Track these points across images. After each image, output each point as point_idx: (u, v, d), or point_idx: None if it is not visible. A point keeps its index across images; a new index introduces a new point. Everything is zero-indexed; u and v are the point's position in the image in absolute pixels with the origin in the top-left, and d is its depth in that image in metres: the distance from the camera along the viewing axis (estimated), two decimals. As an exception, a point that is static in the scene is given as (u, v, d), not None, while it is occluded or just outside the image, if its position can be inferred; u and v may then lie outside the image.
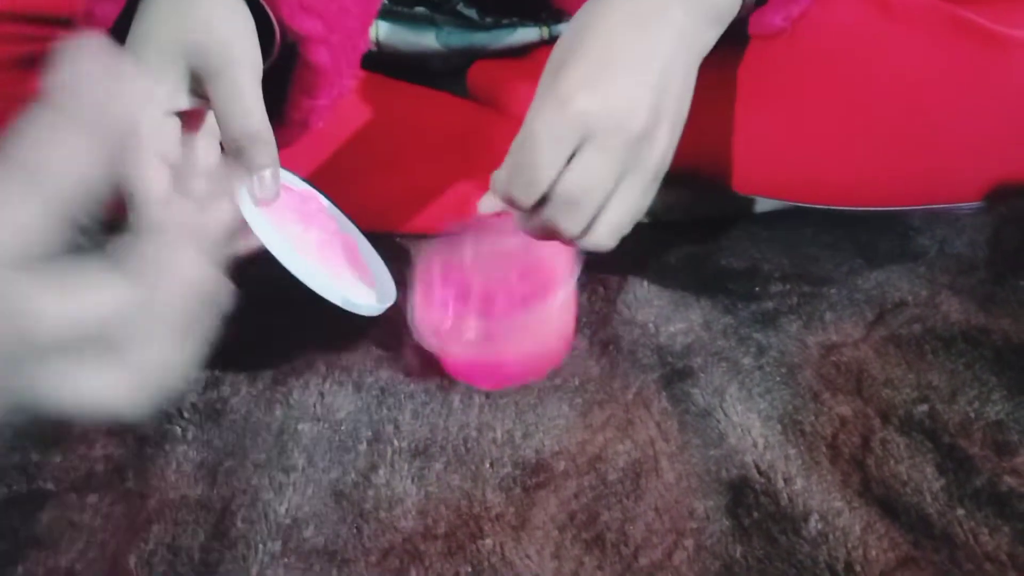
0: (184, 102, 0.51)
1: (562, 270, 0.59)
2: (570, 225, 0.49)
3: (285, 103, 0.56)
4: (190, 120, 0.52)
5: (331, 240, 0.58)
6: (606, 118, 0.47)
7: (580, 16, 0.51)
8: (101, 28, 0.52)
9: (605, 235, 0.50)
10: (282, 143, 0.56)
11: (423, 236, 0.73)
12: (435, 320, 0.58)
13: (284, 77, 0.56)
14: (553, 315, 0.59)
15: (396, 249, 0.72)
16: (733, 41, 0.61)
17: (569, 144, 0.48)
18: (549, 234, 0.50)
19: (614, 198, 0.49)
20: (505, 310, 0.60)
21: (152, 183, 0.49)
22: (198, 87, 0.50)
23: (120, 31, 0.52)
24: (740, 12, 0.55)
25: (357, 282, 0.57)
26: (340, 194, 0.69)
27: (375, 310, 0.56)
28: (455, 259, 0.61)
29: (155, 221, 0.50)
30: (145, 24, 0.50)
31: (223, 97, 0.49)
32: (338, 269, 0.56)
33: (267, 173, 0.51)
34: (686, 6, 0.51)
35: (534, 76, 0.51)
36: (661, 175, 0.51)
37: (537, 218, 0.50)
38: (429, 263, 0.61)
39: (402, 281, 0.68)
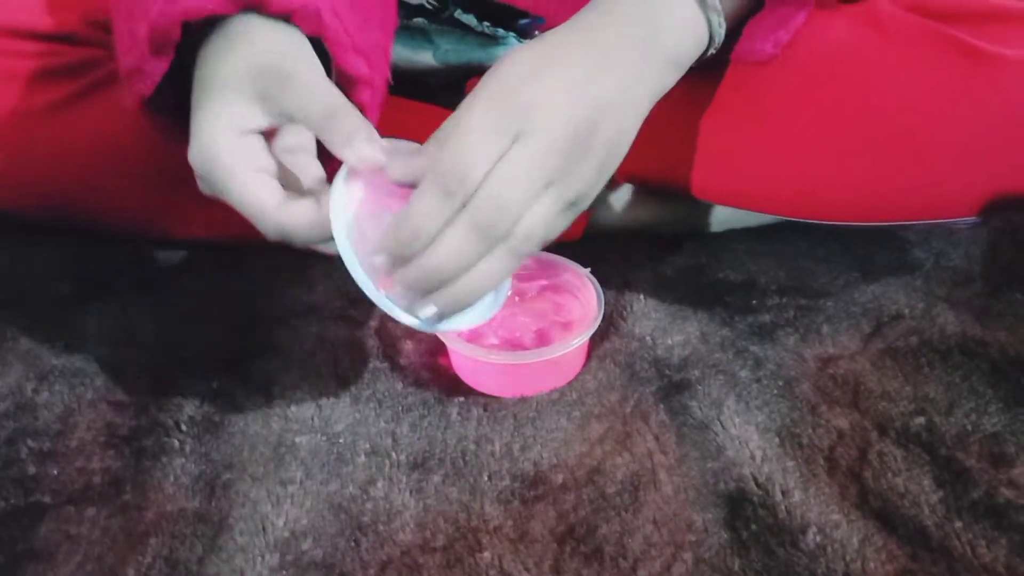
0: (261, 122, 0.51)
1: (589, 312, 0.61)
2: (487, 229, 0.47)
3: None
4: (270, 137, 0.53)
5: None
6: (548, 113, 0.47)
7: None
8: (149, 83, 0.52)
9: (508, 249, 0.48)
10: None
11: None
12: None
13: None
14: (571, 354, 0.61)
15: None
16: (726, 62, 0.62)
17: (505, 137, 0.47)
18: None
19: (532, 208, 0.48)
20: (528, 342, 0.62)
21: (262, 196, 0.50)
22: (271, 108, 0.51)
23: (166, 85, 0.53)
24: (710, 52, 0.56)
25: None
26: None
27: (482, 318, 0.54)
28: None
29: (280, 227, 0.50)
30: (207, 68, 0.51)
31: (299, 92, 0.50)
32: None
33: (362, 135, 0.50)
34: (643, 48, 0.51)
35: None
36: (583, 203, 0.50)
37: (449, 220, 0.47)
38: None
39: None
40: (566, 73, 0.48)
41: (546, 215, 0.48)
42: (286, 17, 0.52)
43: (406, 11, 0.73)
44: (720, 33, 0.55)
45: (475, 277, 0.49)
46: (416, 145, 0.52)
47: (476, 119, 0.47)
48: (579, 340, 0.60)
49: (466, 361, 0.61)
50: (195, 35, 0.52)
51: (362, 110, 0.55)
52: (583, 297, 0.64)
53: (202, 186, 0.52)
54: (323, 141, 0.51)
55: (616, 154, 0.51)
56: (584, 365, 0.63)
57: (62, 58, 0.68)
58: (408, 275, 0.48)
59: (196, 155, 0.50)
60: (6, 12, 0.69)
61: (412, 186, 0.50)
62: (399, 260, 0.48)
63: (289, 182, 0.53)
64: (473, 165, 0.46)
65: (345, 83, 0.55)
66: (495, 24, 0.73)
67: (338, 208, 0.49)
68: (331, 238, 0.49)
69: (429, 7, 0.74)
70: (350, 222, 0.50)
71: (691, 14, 0.53)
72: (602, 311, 0.61)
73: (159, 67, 0.52)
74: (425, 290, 0.49)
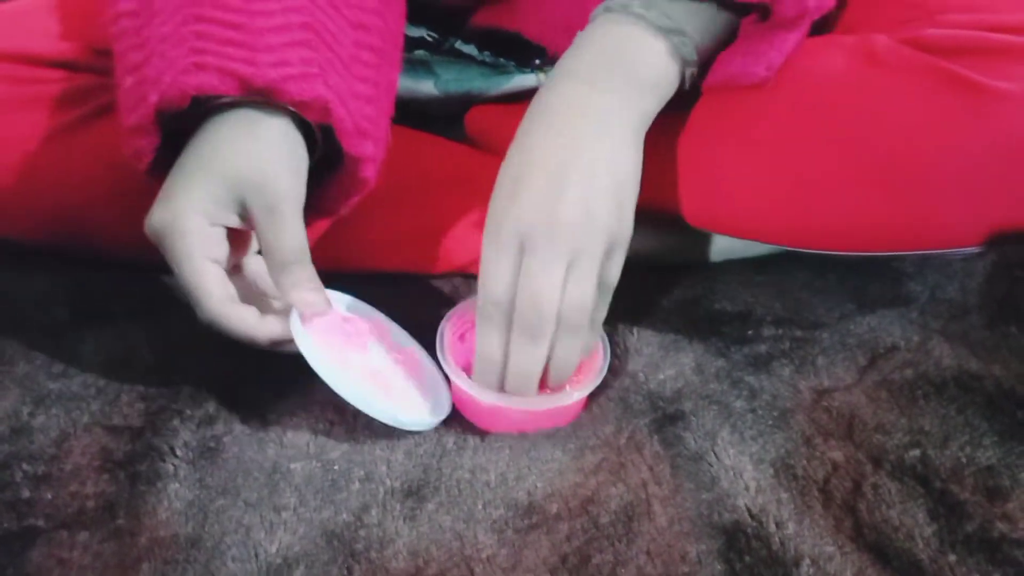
0: (229, 221, 0.57)
1: (595, 363, 0.61)
2: (537, 331, 0.54)
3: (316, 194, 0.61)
4: (237, 238, 0.58)
5: (383, 356, 0.62)
6: (539, 215, 0.53)
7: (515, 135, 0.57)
8: (149, 147, 0.57)
9: (565, 332, 0.55)
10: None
11: (423, 276, 0.74)
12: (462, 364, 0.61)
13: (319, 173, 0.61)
14: (575, 402, 0.61)
15: (399, 289, 0.72)
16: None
17: (513, 253, 0.54)
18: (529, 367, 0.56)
19: (568, 291, 0.54)
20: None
21: (211, 286, 0.56)
22: (243, 215, 0.56)
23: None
24: (687, 83, 0.60)
25: (410, 396, 0.61)
26: (339, 234, 0.70)
27: (426, 425, 0.60)
28: None
29: (217, 319, 0.56)
30: (202, 147, 0.56)
31: (273, 227, 0.56)
32: (389, 384, 0.60)
33: (311, 290, 0.57)
34: (608, 84, 0.57)
35: None
36: (617, 250, 0.57)
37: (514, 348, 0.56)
38: (463, 316, 0.64)
39: (400, 323, 0.69)
40: (544, 173, 0.55)
41: (581, 287, 0.54)
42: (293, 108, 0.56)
43: (407, 43, 0.74)
44: (689, 75, 0.59)
45: (556, 367, 0.57)
46: (361, 303, 0.63)
47: (485, 251, 0.55)
48: (579, 393, 0.59)
49: (463, 395, 0.61)
50: (201, 107, 0.56)
51: (365, 182, 0.61)
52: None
53: (151, 237, 0.56)
54: (272, 279, 0.57)
55: (626, 191, 0.56)
56: (584, 408, 0.62)
57: (64, 85, 0.69)
58: (511, 389, 0.57)
59: (158, 222, 0.55)
60: (7, 39, 0.70)
61: (358, 327, 0.61)
62: (492, 384, 0.57)
63: (246, 285, 0.60)
64: (495, 289, 0.54)
65: (350, 162, 0.59)
66: (495, 54, 0.74)
67: (300, 331, 0.57)
68: (255, 344, 0.58)
69: (429, 39, 0.74)
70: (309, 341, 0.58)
71: (661, 60, 0.58)
72: (607, 363, 0.61)
73: (158, 137, 0.56)
74: (527, 392, 0.57)
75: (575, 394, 0.59)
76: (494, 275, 0.54)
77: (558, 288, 0.54)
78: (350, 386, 0.57)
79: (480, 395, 0.58)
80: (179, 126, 0.57)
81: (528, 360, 0.55)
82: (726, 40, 0.62)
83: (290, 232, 0.56)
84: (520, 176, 0.55)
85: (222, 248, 0.57)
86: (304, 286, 0.57)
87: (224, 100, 0.56)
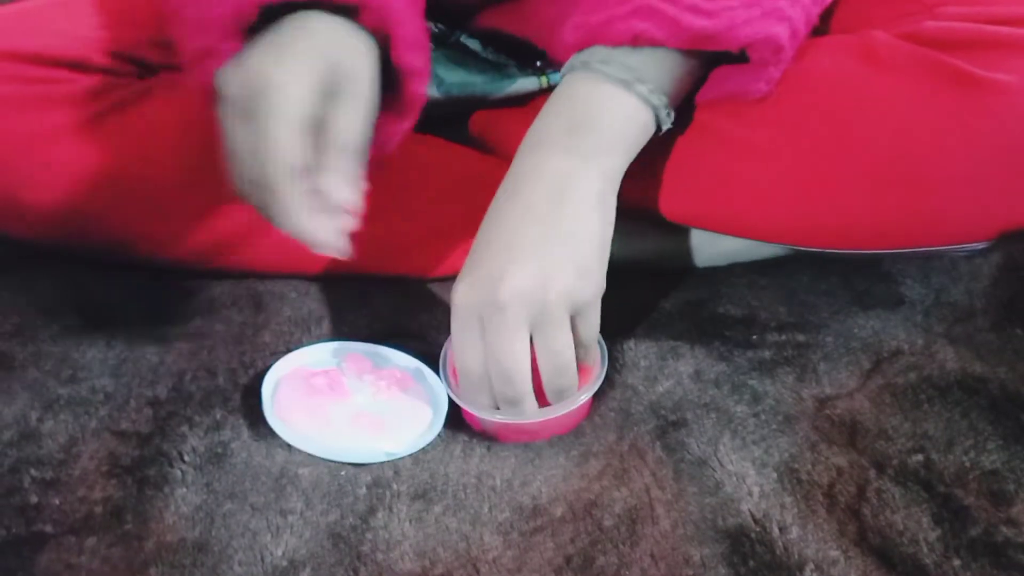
0: (316, 105, 0.54)
1: (592, 371, 0.61)
2: (512, 394, 0.56)
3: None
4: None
5: (368, 393, 0.63)
6: (479, 300, 0.55)
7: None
8: (219, 64, 0.55)
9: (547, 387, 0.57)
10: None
11: (426, 280, 0.75)
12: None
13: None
14: (574, 411, 0.60)
15: (402, 292, 0.73)
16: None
17: (473, 330, 0.55)
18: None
19: (541, 356, 0.56)
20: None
21: (289, 157, 0.53)
22: (327, 99, 0.55)
23: None
24: (664, 129, 0.60)
25: (404, 420, 0.61)
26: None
27: (424, 443, 0.60)
28: None
29: (274, 198, 0.53)
30: (283, 36, 0.55)
31: (352, 112, 0.55)
32: (378, 421, 0.61)
33: (348, 185, 0.56)
34: (572, 146, 0.57)
35: None
36: (587, 308, 0.57)
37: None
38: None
39: (402, 327, 0.69)
40: (496, 248, 0.56)
41: (551, 350, 0.56)
42: (355, 11, 0.56)
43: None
44: (666, 116, 0.59)
45: (553, 397, 0.58)
46: (334, 344, 0.65)
47: (453, 329, 0.57)
48: (584, 396, 0.59)
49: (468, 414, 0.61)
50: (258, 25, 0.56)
51: (415, 99, 0.61)
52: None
53: (222, 113, 0.54)
54: (322, 160, 0.55)
55: (581, 263, 0.56)
56: (586, 416, 0.62)
57: (74, 84, 0.69)
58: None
59: (253, 75, 0.53)
60: (15, 38, 0.70)
61: (333, 377, 0.63)
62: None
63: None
64: (469, 366, 0.56)
65: (401, 75, 0.59)
66: (498, 51, 0.75)
67: (280, 427, 0.59)
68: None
69: (436, 31, 0.75)
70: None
71: (627, 112, 0.58)
72: (605, 368, 0.61)
73: (233, 48, 0.56)
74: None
75: (581, 396, 0.59)
76: (463, 353, 0.56)
77: (522, 355, 0.55)
78: (331, 448, 0.59)
79: (482, 414, 0.59)
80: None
81: (517, 413, 0.57)
82: (704, 70, 0.62)
83: (364, 123, 0.56)
84: (475, 251, 0.57)
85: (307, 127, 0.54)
86: (346, 177, 0.56)
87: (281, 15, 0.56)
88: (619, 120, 0.58)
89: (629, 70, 0.57)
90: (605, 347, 0.61)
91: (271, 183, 0.53)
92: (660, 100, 0.58)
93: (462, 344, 0.56)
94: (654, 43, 0.57)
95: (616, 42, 0.58)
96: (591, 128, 0.57)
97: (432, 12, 0.73)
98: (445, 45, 0.77)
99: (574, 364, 0.57)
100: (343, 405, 0.62)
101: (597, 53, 0.58)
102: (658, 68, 0.58)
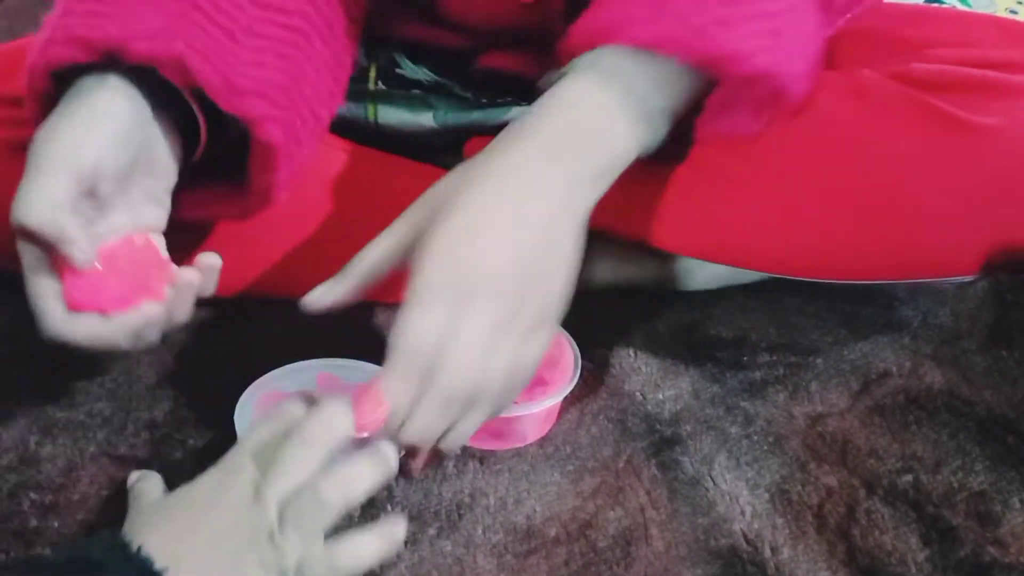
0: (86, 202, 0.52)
1: (565, 371, 0.61)
2: (456, 401, 0.48)
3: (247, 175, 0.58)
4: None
5: None
6: (478, 276, 0.48)
7: (454, 178, 0.52)
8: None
9: (485, 404, 0.49)
10: (248, 213, 0.59)
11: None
12: None
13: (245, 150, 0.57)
14: (545, 412, 0.61)
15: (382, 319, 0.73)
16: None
17: (447, 307, 0.48)
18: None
19: (494, 358, 0.49)
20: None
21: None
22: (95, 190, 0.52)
23: None
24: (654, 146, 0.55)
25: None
26: (333, 263, 0.70)
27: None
28: None
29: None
30: (59, 125, 0.52)
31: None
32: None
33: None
34: (559, 171, 0.51)
35: None
36: (546, 321, 0.51)
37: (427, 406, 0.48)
38: None
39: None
40: (490, 231, 0.49)
41: (508, 358, 0.49)
42: (151, 69, 0.52)
43: (404, 83, 0.75)
44: (660, 140, 0.55)
45: (452, 438, 0.50)
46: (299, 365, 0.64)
47: (417, 298, 0.48)
48: (542, 404, 0.59)
49: None
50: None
51: (275, 150, 0.55)
52: (559, 357, 0.63)
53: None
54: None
55: (558, 271, 0.51)
56: (554, 425, 0.62)
57: None
58: (401, 441, 0.49)
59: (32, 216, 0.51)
60: (8, 81, 0.69)
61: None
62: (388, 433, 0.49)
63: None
64: (422, 342, 0.47)
65: (245, 121, 0.55)
66: (494, 96, 0.75)
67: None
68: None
69: (426, 83, 0.75)
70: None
71: (625, 127, 0.52)
72: (578, 372, 0.61)
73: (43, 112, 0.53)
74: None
75: (547, 401, 0.59)
76: (426, 327, 0.49)
77: (489, 353, 0.49)
78: None
79: None
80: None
81: (433, 424, 0.50)
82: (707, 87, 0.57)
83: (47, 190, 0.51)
84: (472, 229, 0.50)
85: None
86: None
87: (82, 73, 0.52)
88: (618, 150, 0.53)
89: (636, 90, 0.52)
90: (577, 349, 0.62)
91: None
92: (663, 128, 0.54)
93: (424, 318, 0.49)
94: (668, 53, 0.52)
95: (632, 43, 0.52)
96: (585, 148, 0.52)
97: (426, 58, 0.73)
98: (438, 95, 0.77)
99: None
100: None
101: (605, 59, 0.53)
102: (664, 90, 0.53)
